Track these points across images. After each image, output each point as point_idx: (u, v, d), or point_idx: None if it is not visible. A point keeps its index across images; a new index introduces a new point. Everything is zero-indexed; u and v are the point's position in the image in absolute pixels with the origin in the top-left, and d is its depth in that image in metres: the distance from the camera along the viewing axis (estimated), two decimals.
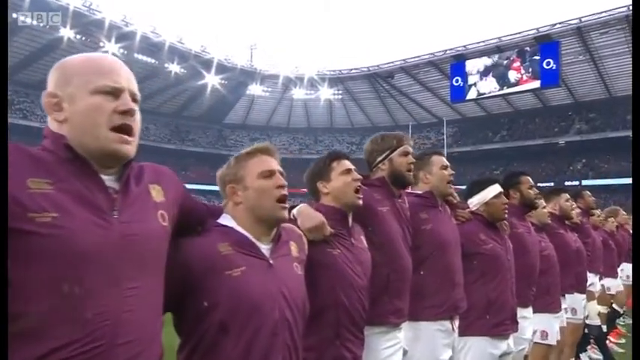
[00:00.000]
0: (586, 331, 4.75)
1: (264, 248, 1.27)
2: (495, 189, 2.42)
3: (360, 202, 1.69)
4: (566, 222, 3.64)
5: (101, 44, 32.42)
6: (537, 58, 33.32)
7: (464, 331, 2.23)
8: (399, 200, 2.00)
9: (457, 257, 2.17)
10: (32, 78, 33.92)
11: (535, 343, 2.84)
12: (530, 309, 2.69)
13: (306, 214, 1.54)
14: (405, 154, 2.01)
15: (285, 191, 1.29)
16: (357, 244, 1.68)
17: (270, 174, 1.30)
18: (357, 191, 1.69)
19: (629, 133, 37.44)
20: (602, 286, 5.05)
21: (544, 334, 2.88)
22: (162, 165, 1.18)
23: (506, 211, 2.41)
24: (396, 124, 43.64)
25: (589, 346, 4.98)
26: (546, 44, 32.90)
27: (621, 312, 5.85)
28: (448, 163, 2.28)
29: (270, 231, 1.31)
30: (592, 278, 4.29)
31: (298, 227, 1.48)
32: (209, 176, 24.53)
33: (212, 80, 38.20)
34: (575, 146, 34.37)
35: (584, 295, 3.75)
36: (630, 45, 29.55)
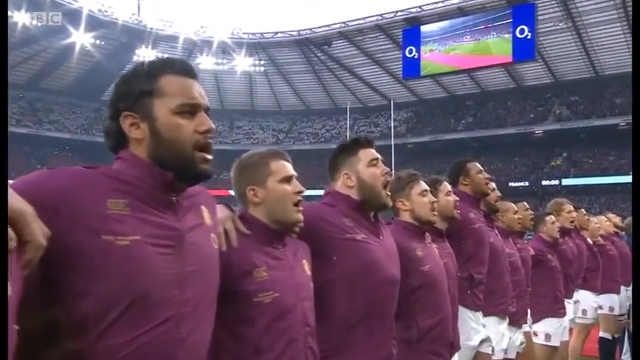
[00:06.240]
0: None
1: None
2: None
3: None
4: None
5: None
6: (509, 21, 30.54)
7: None
8: None
9: None
10: None
11: None
12: None
13: None
14: None
15: None
16: None
17: None
18: None
19: (618, 120, 34.26)
20: (534, 332, 3.72)
21: None
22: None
23: None
24: (335, 106, 40.64)
25: None
26: (520, 7, 30.61)
27: None
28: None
29: None
30: (493, 324, 2.94)
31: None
32: None
33: (82, 39, 34.11)
34: (555, 136, 33.35)
35: None
36: (619, 11, 27.24)
